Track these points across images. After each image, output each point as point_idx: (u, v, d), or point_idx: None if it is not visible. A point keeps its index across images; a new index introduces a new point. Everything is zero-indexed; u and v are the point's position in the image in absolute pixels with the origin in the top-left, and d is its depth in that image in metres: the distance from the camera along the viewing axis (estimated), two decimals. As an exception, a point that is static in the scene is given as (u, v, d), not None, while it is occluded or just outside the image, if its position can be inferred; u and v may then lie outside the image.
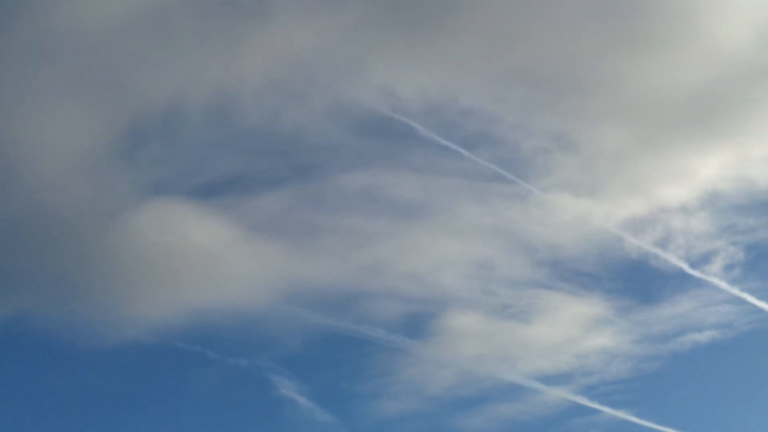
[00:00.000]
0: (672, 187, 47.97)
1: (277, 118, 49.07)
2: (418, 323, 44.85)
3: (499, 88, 49.70)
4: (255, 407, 43.67)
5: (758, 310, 42.41)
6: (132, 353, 43.34)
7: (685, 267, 43.60)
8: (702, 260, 44.60)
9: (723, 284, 42.10)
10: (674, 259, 44.32)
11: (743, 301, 42.39)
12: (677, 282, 45.42)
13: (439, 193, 48.72)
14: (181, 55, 48.04)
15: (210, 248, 44.41)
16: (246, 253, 45.16)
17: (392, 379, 43.90)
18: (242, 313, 43.33)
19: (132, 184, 46.77)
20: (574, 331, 45.18)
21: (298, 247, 46.91)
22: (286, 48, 48.65)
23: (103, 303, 41.86)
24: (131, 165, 47.05)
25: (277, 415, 42.61)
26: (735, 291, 41.67)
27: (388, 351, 43.99)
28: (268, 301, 43.60)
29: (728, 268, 44.19)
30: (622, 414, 39.88)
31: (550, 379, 42.47)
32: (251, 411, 43.37)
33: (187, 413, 43.16)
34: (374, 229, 47.65)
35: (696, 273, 43.52)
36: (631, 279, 46.91)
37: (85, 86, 46.85)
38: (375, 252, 47.42)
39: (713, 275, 43.40)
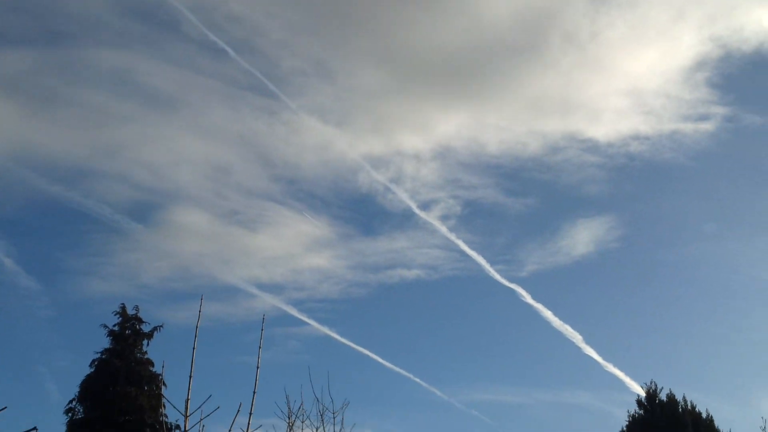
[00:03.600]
0: (411, 135, 51.30)
1: (36, -23, 46.67)
2: (145, 211, 44.78)
3: (271, 4, 50.46)
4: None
5: (463, 259, 46.41)
6: None
7: (411, 208, 46.87)
8: (424, 206, 48.16)
9: (442, 229, 45.67)
10: (400, 200, 47.48)
11: (453, 248, 46.24)
12: (398, 221, 48.77)
13: (193, 90, 48.74)
14: None
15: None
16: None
17: (107, 260, 43.58)
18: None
19: None
20: (295, 247, 47.17)
21: (36, 111, 45.13)
22: None
23: None
24: None
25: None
26: (452, 237, 45.39)
27: (109, 232, 43.61)
28: (-9, 159, 41.74)
29: (445, 217, 48.04)
30: (325, 329, 42.31)
31: (263, 287, 44.16)
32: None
33: None
34: (119, 112, 46.80)
35: (417, 215, 46.90)
36: (358, 210, 49.70)
37: None
38: (116, 134, 46.62)
39: (432, 220, 47.04)
